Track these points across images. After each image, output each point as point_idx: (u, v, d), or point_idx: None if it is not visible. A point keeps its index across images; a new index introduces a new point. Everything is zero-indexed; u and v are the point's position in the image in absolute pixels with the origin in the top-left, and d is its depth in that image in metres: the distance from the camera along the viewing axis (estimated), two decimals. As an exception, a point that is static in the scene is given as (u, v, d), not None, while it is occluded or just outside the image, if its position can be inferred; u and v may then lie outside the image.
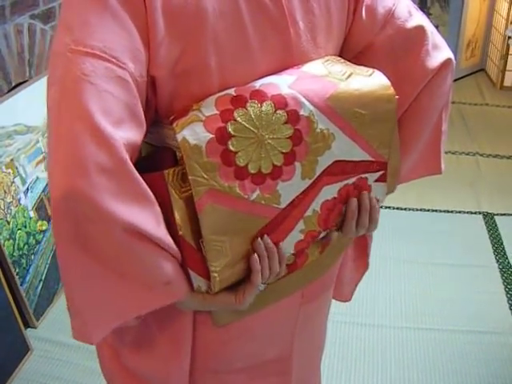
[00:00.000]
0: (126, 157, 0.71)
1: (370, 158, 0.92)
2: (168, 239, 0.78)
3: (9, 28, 1.99)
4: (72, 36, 0.72)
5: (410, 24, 0.96)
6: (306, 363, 1.21)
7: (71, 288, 0.79)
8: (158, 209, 0.77)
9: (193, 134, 0.77)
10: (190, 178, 0.77)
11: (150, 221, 0.74)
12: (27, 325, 2.12)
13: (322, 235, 0.94)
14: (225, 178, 0.79)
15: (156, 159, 0.82)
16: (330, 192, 0.91)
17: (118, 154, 0.70)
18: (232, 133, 0.78)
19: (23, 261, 2.07)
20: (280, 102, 0.81)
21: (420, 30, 0.97)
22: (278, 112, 0.81)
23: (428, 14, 4.55)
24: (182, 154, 0.77)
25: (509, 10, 4.18)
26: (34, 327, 2.13)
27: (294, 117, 0.82)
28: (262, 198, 0.83)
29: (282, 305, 1.01)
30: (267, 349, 1.07)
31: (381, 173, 0.95)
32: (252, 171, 0.81)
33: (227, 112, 0.79)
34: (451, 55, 0.98)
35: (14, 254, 2.02)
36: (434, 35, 0.98)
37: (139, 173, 0.77)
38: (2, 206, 1.97)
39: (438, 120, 1.04)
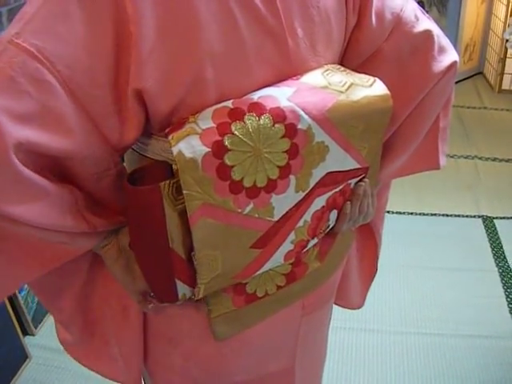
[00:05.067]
0: (9, 151, 0.67)
1: (358, 166, 0.92)
2: (61, 222, 0.77)
3: (6, 35, 1.98)
4: (18, 28, 0.71)
5: (417, 29, 0.96)
6: (309, 375, 1.20)
7: None
8: (52, 197, 0.75)
9: (189, 147, 0.75)
10: (184, 192, 0.75)
11: (31, 212, 0.72)
12: (25, 332, 2.11)
13: (310, 244, 0.94)
14: (219, 193, 0.77)
15: (151, 171, 0.81)
16: (320, 202, 0.91)
17: (2, 150, 0.67)
18: (229, 146, 0.76)
19: (21, 268, 2.05)
20: (278, 116, 0.79)
21: (427, 34, 0.97)
22: (276, 126, 0.79)
23: (426, 18, 4.55)
24: (177, 168, 0.75)
25: (506, 12, 4.19)
26: (33, 335, 2.13)
27: (291, 130, 0.80)
28: (256, 212, 0.82)
29: (283, 317, 1.01)
30: (269, 362, 1.06)
31: (362, 177, 0.96)
32: (247, 185, 0.79)
33: (224, 125, 0.77)
34: (456, 57, 0.99)
35: (12, 261, 2.01)
36: (439, 38, 0.98)
37: (134, 185, 0.77)
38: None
39: (436, 117, 1.05)
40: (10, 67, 0.68)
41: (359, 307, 1.38)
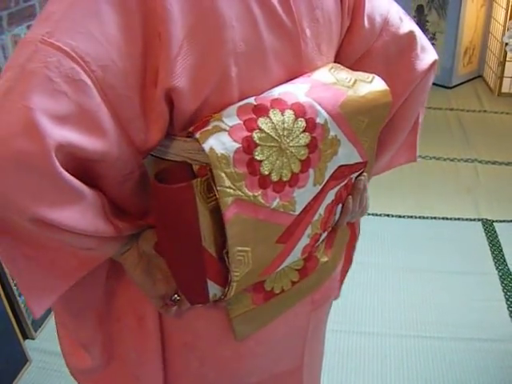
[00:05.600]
0: (51, 154, 0.67)
1: (361, 160, 0.95)
2: (94, 227, 0.76)
3: (6, 39, 1.99)
4: (48, 28, 0.69)
5: (402, 30, 1.01)
6: (313, 372, 1.21)
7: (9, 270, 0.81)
8: (87, 201, 0.75)
9: (219, 143, 0.76)
10: (218, 188, 0.76)
11: (69, 216, 0.72)
12: (26, 336, 2.11)
13: (321, 237, 0.96)
14: (250, 188, 0.79)
15: (172, 172, 0.81)
16: (331, 196, 0.93)
17: (44, 153, 0.66)
18: (257, 142, 0.78)
19: (21, 272, 2.05)
20: (300, 111, 0.82)
21: (411, 35, 1.02)
22: (298, 120, 0.82)
23: (425, 22, 4.56)
24: (210, 164, 0.76)
25: (506, 16, 4.20)
26: (33, 338, 2.13)
27: (311, 125, 0.83)
28: (281, 206, 0.84)
29: (294, 313, 1.03)
30: (281, 360, 1.07)
31: (361, 171, 0.99)
32: (274, 179, 0.81)
33: (251, 121, 0.79)
34: (436, 56, 1.05)
35: (12, 264, 2.01)
36: (421, 38, 1.04)
37: (164, 184, 0.77)
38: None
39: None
40: (47, 67, 0.67)
41: (335, 298, 1.39)
